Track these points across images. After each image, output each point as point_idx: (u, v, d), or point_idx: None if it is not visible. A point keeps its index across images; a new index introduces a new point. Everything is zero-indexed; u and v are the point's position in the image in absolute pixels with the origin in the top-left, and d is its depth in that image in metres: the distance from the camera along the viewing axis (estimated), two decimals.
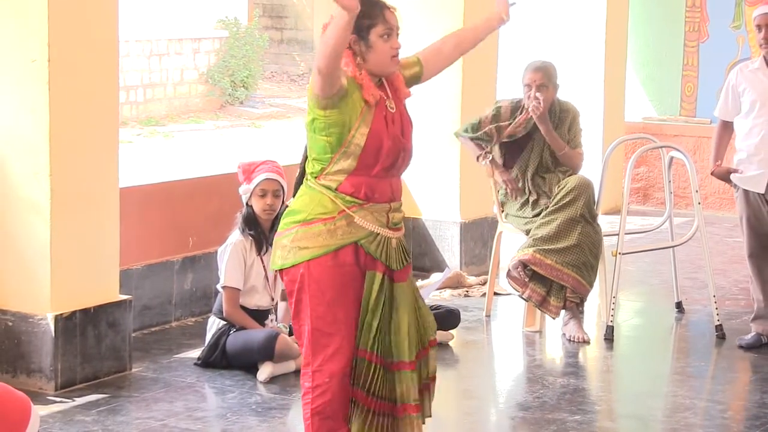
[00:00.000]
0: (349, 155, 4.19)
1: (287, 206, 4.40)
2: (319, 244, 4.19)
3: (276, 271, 4.38)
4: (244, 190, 6.12)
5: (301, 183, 4.36)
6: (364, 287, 4.25)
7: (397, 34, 4.26)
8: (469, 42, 4.58)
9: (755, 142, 6.56)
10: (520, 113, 6.89)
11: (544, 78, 6.78)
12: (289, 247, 4.24)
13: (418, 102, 8.28)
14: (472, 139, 6.93)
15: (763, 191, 6.53)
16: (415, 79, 4.42)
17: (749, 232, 6.61)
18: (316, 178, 4.25)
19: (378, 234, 4.24)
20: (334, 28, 4.01)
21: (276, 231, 5.99)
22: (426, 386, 4.44)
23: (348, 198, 4.21)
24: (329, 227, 4.19)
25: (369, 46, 4.21)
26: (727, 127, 6.78)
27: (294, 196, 4.39)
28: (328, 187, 4.22)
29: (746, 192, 6.58)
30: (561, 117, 6.90)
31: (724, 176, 6.70)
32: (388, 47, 4.22)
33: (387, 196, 4.27)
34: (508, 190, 6.93)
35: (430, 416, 4.47)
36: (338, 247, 4.20)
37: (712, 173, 6.78)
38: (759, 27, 6.55)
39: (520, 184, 6.89)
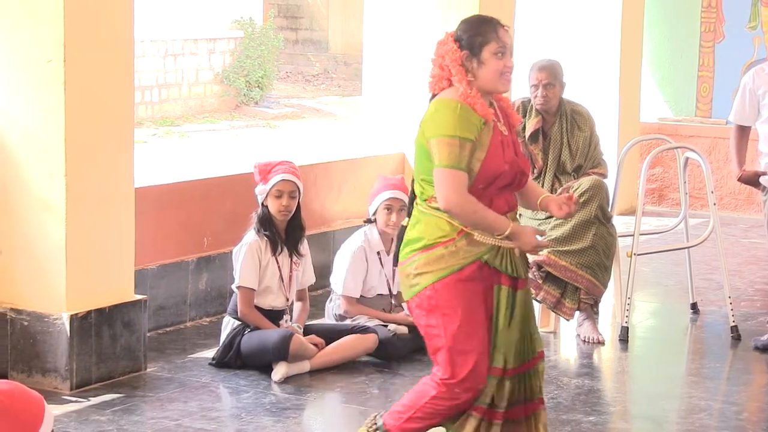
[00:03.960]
0: None
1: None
2: (443, 266, 4.19)
3: (406, 301, 4.37)
4: (261, 190, 6.12)
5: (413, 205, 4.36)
6: (490, 302, 4.25)
7: (511, 53, 4.27)
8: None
9: None
10: (530, 113, 6.88)
11: (550, 76, 6.78)
12: (413, 275, 4.24)
13: None
14: None
15: None
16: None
17: None
18: (426, 201, 4.25)
19: (499, 247, 4.22)
20: (488, 220, 4.15)
21: (290, 232, 6.13)
22: (535, 406, 4.40)
23: None
24: (450, 249, 4.19)
25: (481, 62, 4.22)
26: (744, 132, 6.73)
27: (408, 216, 4.38)
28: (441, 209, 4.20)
29: None
30: (575, 120, 6.89)
31: (752, 180, 6.63)
32: (501, 65, 4.23)
33: (503, 209, 4.27)
34: None
35: None
36: (461, 267, 4.19)
37: (738, 179, 6.72)
38: None
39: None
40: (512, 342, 4.28)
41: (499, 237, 4.20)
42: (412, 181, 4.38)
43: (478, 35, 4.22)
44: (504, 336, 4.25)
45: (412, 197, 4.39)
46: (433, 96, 4.32)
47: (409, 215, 4.38)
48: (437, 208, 4.20)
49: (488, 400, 4.28)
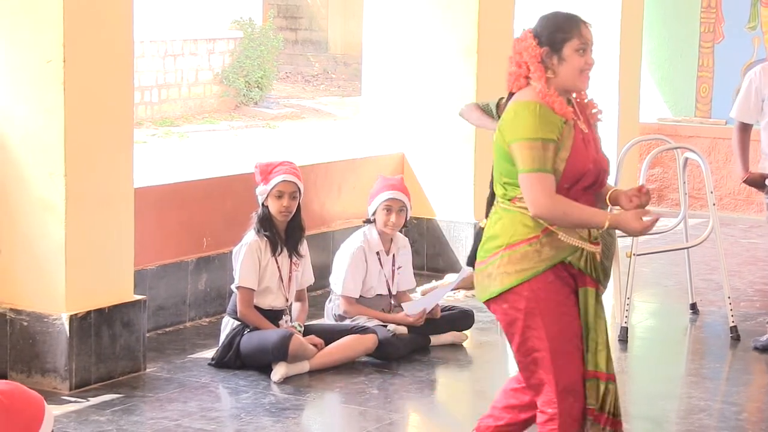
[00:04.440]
0: None
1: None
2: (527, 267, 4.04)
3: (484, 302, 4.21)
4: (261, 190, 6.12)
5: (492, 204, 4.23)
6: (578, 303, 4.11)
7: (592, 50, 4.17)
8: None
9: None
10: None
11: None
12: (495, 273, 4.09)
13: (432, 103, 8.31)
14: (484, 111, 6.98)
15: None
16: None
17: None
18: (510, 200, 4.12)
19: (583, 249, 4.10)
20: (584, 217, 4.03)
21: (290, 232, 6.13)
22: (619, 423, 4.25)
23: None
24: (535, 247, 4.05)
25: (562, 59, 4.11)
26: (746, 130, 6.71)
27: (486, 216, 4.26)
28: (527, 208, 4.06)
29: None
30: None
31: (758, 182, 6.60)
32: (583, 62, 4.13)
33: None
34: None
35: None
36: (546, 269, 4.05)
37: (744, 181, 6.69)
38: None
39: None
40: (604, 345, 4.15)
41: (600, 230, 4.10)
42: (491, 182, 4.27)
43: (560, 31, 4.12)
44: (595, 338, 4.12)
45: (491, 199, 4.27)
46: (510, 94, 4.20)
47: (487, 217, 4.24)
48: (522, 207, 4.07)
49: (611, 409, 4.13)
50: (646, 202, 4.21)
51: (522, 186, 4.03)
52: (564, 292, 4.10)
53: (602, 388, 4.12)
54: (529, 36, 4.16)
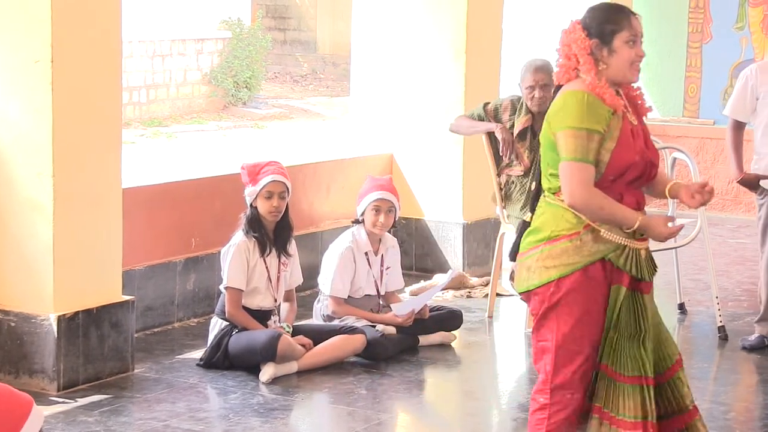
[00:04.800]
0: None
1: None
2: (566, 262, 4.02)
3: (520, 293, 4.21)
4: (250, 192, 6.11)
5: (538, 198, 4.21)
6: (606, 303, 4.08)
7: (641, 42, 4.12)
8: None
9: None
10: (519, 111, 6.89)
11: (546, 77, 6.79)
12: (534, 267, 4.08)
13: (420, 104, 8.31)
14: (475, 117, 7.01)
15: None
16: None
17: None
18: (554, 194, 4.09)
19: (626, 246, 4.07)
20: (617, 215, 4.00)
21: (278, 232, 6.13)
22: (691, 415, 4.22)
23: None
24: (575, 243, 4.02)
25: (612, 51, 4.07)
26: (740, 128, 6.70)
27: (531, 211, 4.23)
28: None
29: None
30: None
31: (752, 183, 6.58)
32: (633, 54, 4.08)
33: (632, 205, 4.10)
34: (503, 149, 6.89)
35: None
36: (585, 265, 4.03)
37: (738, 181, 6.67)
38: None
39: (526, 184, 6.88)
40: (613, 344, 4.10)
41: (628, 231, 4.06)
42: (538, 175, 4.24)
43: (609, 23, 4.08)
44: (613, 336, 4.08)
45: (538, 192, 4.26)
46: (558, 87, 4.17)
47: (532, 211, 4.24)
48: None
49: (609, 403, 4.09)
50: (709, 200, 4.20)
51: (561, 174, 4.02)
52: (592, 297, 4.06)
53: (609, 384, 4.08)
54: (578, 28, 4.12)
